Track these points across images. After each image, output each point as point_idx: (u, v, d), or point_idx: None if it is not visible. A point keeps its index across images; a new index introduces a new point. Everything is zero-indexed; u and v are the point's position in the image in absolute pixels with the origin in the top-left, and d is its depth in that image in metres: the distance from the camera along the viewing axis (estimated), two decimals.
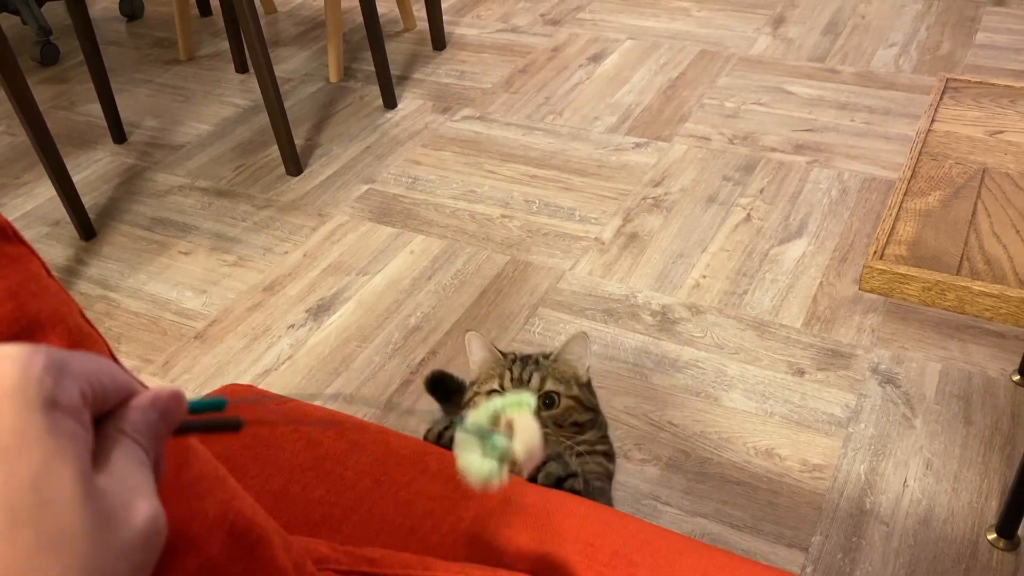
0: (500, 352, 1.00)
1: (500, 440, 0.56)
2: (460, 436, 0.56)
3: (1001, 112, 1.12)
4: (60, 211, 1.94)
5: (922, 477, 1.27)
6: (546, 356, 1.00)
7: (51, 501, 0.27)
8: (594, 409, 0.99)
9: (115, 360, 0.52)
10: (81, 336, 0.50)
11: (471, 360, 1.01)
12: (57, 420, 0.28)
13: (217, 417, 0.37)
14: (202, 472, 0.52)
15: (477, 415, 0.59)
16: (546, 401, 0.94)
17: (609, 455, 0.98)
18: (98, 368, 0.32)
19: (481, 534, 0.64)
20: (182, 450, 0.52)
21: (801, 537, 1.20)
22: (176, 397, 0.35)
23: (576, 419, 0.95)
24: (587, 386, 1.00)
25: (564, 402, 0.95)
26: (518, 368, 0.96)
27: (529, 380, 0.95)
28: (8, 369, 0.28)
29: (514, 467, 0.56)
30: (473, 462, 0.55)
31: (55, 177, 1.82)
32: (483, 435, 0.56)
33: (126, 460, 0.32)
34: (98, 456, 0.31)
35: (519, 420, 0.58)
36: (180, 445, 0.52)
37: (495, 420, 0.60)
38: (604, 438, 0.99)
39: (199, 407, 0.37)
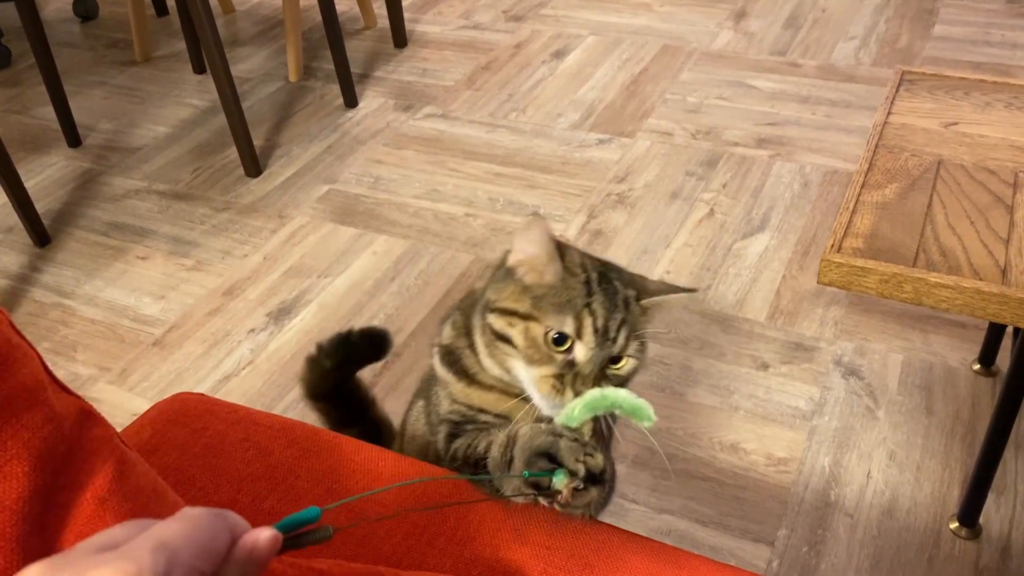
0: (564, 262, 0.68)
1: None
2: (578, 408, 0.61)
3: (955, 104, 1.13)
4: (13, 217, 1.89)
5: (885, 468, 1.27)
6: (631, 285, 0.69)
7: None
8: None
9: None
10: (9, 348, 0.48)
11: (514, 256, 0.70)
12: None
13: (309, 529, 0.38)
14: (139, 486, 0.50)
15: (586, 404, 0.62)
16: (616, 358, 0.67)
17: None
18: (199, 547, 0.33)
19: (436, 540, 0.63)
20: (117, 463, 0.50)
21: (767, 531, 1.20)
22: (273, 540, 0.36)
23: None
24: None
25: (630, 364, 0.68)
26: (602, 311, 0.65)
27: (615, 340, 0.66)
28: None
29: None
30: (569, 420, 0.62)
31: (7, 183, 1.78)
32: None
33: None
34: None
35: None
36: (115, 458, 0.50)
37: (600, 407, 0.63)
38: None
39: (294, 523, 0.38)
